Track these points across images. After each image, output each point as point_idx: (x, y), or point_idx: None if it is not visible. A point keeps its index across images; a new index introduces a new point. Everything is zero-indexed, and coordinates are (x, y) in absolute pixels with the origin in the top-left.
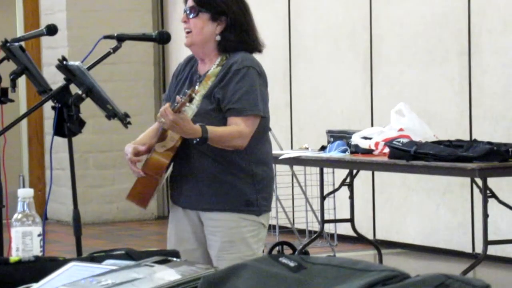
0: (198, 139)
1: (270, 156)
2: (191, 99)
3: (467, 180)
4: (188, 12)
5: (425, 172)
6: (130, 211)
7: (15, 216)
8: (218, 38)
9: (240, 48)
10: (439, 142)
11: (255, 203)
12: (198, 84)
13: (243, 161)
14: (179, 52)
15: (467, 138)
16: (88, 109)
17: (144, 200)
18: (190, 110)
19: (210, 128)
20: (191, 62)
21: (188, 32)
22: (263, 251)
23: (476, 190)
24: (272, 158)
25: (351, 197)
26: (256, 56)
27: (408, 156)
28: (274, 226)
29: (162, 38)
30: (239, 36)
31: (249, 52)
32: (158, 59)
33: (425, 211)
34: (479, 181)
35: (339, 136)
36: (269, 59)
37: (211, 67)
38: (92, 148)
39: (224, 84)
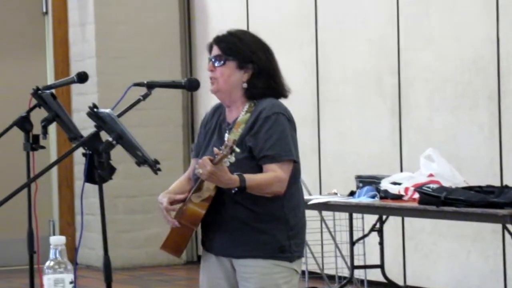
0: (236, 189)
1: (302, 202)
2: (232, 151)
3: (499, 226)
4: (214, 60)
5: (456, 218)
6: (159, 256)
7: (47, 263)
8: (245, 85)
9: (267, 94)
10: (469, 188)
11: (288, 249)
12: (227, 132)
13: (277, 207)
14: (207, 97)
15: (497, 183)
16: (117, 154)
17: (179, 250)
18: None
19: (247, 177)
20: (218, 111)
21: (213, 79)
22: None
23: (507, 237)
24: (304, 204)
25: (381, 243)
26: (284, 101)
27: (438, 202)
28: (303, 272)
29: (192, 86)
30: (266, 82)
31: (275, 97)
32: (187, 104)
33: (455, 257)
34: (510, 227)
35: (368, 181)
36: (297, 104)
37: (239, 114)
38: (122, 193)
39: (255, 131)
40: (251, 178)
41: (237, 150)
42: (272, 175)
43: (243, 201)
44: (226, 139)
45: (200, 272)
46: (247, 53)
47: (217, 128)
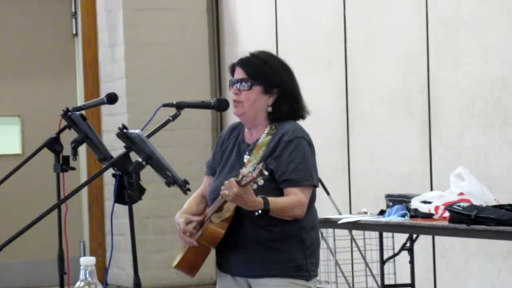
0: (260, 211)
1: (317, 222)
2: (261, 174)
3: None
4: (239, 84)
5: (487, 237)
6: (188, 277)
7: (77, 284)
8: (270, 109)
9: (290, 117)
10: (500, 206)
11: (304, 268)
12: (247, 153)
13: (294, 228)
14: (236, 117)
15: None
16: (147, 175)
17: (195, 269)
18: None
19: (271, 200)
20: (236, 130)
21: (238, 102)
22: None
23: None
24: (319, 223)
25: (412, 262)
26: (314, 120)
27: (469, 220)
28: None
29: (221, 106)
30: (290, 106)
31: (296, 119)
32: (216, 124)
33: (486, 276)
34: None
35: (398, 200)
36: (326, 123)
37: (260, 136)
38: (151, 214)
39: (277, 154)
40: (274, 201)
41: (266, 173)
42: (294, 199)
43: (260, 222)
44: (246, 160)
45: None
46: (272, 77)
47: (236, 148)
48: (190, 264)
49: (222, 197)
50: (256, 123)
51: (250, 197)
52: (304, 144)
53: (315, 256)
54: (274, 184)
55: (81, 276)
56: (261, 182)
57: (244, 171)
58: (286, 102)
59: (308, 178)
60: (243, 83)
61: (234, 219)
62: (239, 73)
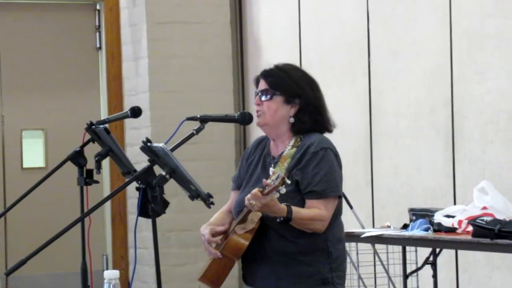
0: (282, 218)
1: (343, 234)
2: (283, 183)
3: None
4: (261, 94)
5: (510, 251)
6: None
7: None
8: (291, 120)
9: (313, 129)
10: None
11: (330, 281)
12: (272, 165)
13: (320, 240)
14: (260, 131)
15: None
16: (170, 188)
17: (219, 282)
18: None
19: (294, 209)
20: (261, 144)
21: (260, 113)
22: None
23: None
24: (345, 236)
25: (435, 276)
26: (337, 134)
27: (493, 234)
28: None
29: (245, 119)
30: (312, 117)
31: (321, 132)
32: (239, 138)
33: None
34: None
35: (422, 214)
36: (350, 137)
37: (285, 149)
38: (175, 227)
39: (303, 165)
40: (297, 211)
41: (288, 181)
42: (317, 212)
43: (287, 234)
44: (271, 172)
45: None
46: (294, 88)
47: (261, 162)
48: (214, 276)
49: (247, 208)
50: (279, 134)
51: (275, 205)
52: (330, 155)
53: (342, 269)
54: (299, 195)
55: None
56: (283, 190)
57: (267, 180)
58: (308, 113)
59: (334, 189)
60: (265, 94)
61: (260, 231)
62: (262, 85)
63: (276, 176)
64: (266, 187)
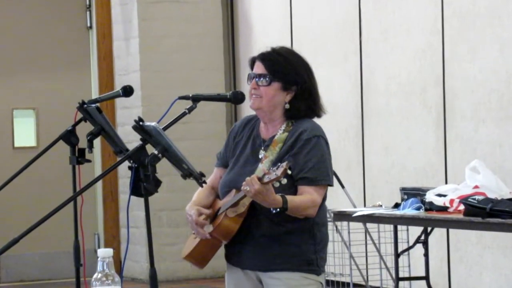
0: (278, 209)
1: (326, 218)
2: (285, 174)
3: None
4: (258, 79)
5: (501, 230)
6: (203, 269)
7: (95, 275)
8: (287, 106)
9: (306, 115)
10: None
11: (315, 262)
12: (263, 149)
13: (306, 223)
14: (251, 110)
15: None
16: (162, 167)
17: (205, 261)
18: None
19: (289, 198)
20: (250, 124)
21: (255, 96)
22: None
23: None
24: (337, 215)
25: (426, 255)
26: (328, 113)
27: (484, 213)
28: (348, 284)
29: (237, 98)
30: (307, 104)
31: (312, 117)
32: (230, 117)
33: (501, 269)
34: None
35: (413, 193)
36: (341, 116)
37: (276, 132)
38: (166, 206)
39: (295, 152)
40: (291, 200)
41: (290, 173)
42: (309, 198)
43: (275, 218)
44: (261, 156)
45: (225, 285)
46: (292, 75)
47: (250, 142)
48: (201, 256)
49: (242, 192)
50: (272, 118)
51: (270, 195)
52: (322, 143)
53: (324, 251)
54: (291, 181)
55: (99, 267)
56: (284, 181)
57: (265, 168)
58: (304, 100)
59: (325, 178)
60: (262, 78)
61: (248, 214)
62: (259, 68)
63: (269, 164)
64: (265, 175)
